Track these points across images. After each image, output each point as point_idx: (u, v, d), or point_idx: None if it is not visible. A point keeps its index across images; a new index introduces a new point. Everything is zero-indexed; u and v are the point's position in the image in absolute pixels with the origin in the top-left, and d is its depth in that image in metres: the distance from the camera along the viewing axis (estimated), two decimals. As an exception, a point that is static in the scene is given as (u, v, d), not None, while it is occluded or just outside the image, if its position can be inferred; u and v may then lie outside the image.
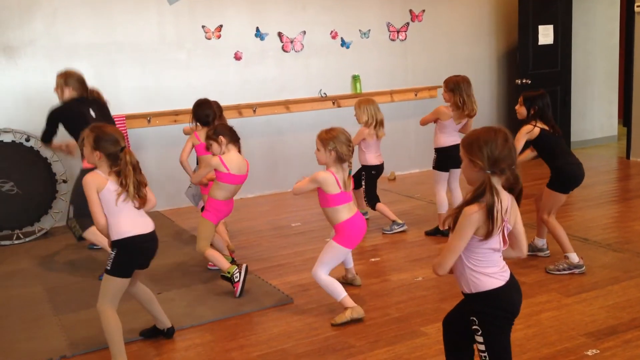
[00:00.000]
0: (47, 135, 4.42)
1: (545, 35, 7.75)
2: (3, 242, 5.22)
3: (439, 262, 2.15)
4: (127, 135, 5.88)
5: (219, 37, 6.31)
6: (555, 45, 7.84)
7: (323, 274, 3.38)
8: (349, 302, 3.38)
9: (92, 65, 5.79)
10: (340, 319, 3.34)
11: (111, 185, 2.81)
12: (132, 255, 2.90)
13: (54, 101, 5.56)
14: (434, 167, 4.82)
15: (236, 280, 3.76)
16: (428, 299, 3.60)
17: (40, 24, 5.59)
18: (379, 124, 4.93)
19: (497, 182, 2.13)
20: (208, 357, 3.03)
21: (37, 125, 4.64)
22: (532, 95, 3.96)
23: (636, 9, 7.17)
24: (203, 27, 6.23)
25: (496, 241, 2.14)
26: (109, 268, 2.87)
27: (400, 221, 4.99)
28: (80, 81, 4.45)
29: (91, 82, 5.78)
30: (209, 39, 6.27)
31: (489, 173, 2.10)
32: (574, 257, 3.88)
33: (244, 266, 3.83)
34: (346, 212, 3.40)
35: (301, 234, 5.11)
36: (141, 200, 2.86)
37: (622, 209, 5.45)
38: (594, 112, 8.57)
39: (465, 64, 7.65)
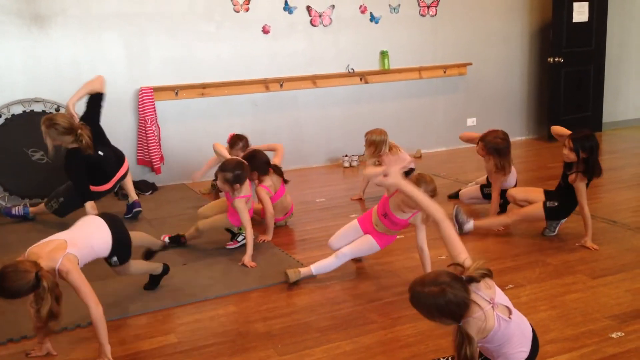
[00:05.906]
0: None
1: (580, 12, 7.54)
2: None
3: None
4: (154, 107, 5.92)
5: (247, 9, 6.27)
6: (590, 23, 7.64)
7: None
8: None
9: (122, 35, 5.81)
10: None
11: None
12: None
13: (84, 71, 5.61)
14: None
15: (238, 239, 4.19)
16: (451, 277, 3.58)
17: (71, -6, 5.61)
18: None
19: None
20: (232, 328, 3.08)
21: (68, 96, 4.69)
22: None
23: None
24: (231, -1, 6.21)
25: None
26: None
27: None
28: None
29: (121, 53, 5.85)
30: (237, 11, 6.24)
31: (461, 324, 2.15)
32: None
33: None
34: None
35: (325, 209, 5.12)
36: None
37: (653, 192, 5.34)
38: (628, 92, 8.36)
39: (496, 40, 7.51)
